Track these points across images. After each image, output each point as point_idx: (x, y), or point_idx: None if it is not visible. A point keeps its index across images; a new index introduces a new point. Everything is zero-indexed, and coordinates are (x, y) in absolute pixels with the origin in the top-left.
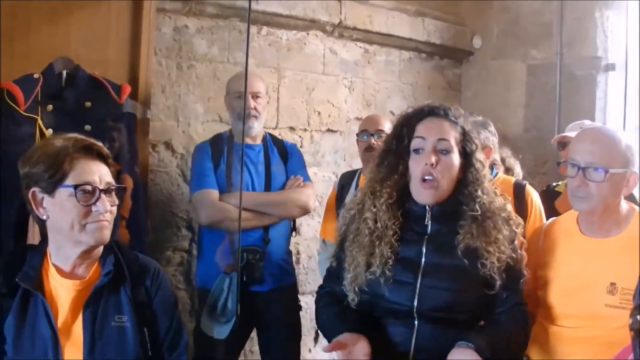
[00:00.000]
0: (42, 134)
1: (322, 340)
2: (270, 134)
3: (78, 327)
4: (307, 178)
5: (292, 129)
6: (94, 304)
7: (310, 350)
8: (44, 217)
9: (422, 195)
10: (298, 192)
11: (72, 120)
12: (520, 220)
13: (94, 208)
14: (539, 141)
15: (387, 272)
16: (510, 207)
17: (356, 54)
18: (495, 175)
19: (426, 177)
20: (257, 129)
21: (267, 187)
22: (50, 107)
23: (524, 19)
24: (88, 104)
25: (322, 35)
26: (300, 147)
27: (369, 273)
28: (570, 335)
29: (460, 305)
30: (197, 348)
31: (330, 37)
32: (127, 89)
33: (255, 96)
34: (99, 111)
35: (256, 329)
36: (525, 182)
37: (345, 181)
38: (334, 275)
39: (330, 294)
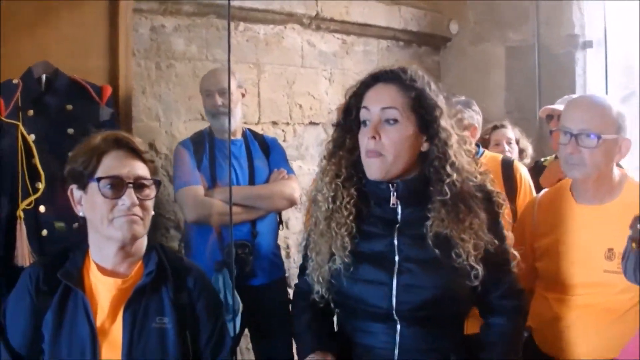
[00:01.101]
0: (25, 140)
1: None
2: (249, 129)
3: (117, 327)
4: (290, 171)
5: (274, 123)
6: (135, 304)
7: None
8: (81, 214)
9: (369, 168)
10: (283, 184)
11: (54, 124)
12: (504, 198)
13: (119, 202)
14: (521, 122)
15: (346, 260)
16: (490, 184)
17: (334, 45)
18: (482, 153)
19: (368, 151)
20: (234, 124)
21: (252, 181)
22: (31, 112)
23: (500, 2)
24: (69, 107)
25: (300, 28)
26: (284, 141)
27: (332, 262)
28: (570, 304)
29: (444, 302)
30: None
31: (307, 29)
32: (109, 90)
33: (222, 92)
34: (81, 114)
35: (248, 325)
36: (513, 158)
37: None
38: (304, 271)
39: (303, 295)
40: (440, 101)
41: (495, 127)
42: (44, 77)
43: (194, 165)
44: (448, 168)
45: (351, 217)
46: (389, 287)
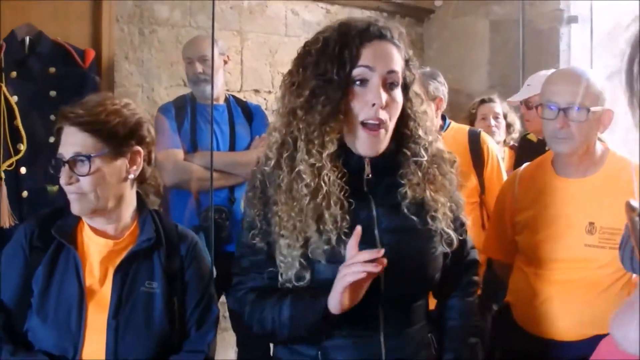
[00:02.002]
0: (7, 102)
1: None
2: (233, 96)
3: (106, 288)
4: None
5: (256, 91)
6: (126, 267)
7: None
8: None
9: (365, 145)
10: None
11: (36, 86)
12: (456, 158)
13: (61, 181)
14: (504, 97)
15: (344, 237)
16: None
17: (318, 14)
18: (448, 125)
19: (370, 122)
20: (215, 91)
21: (232, 147)
22: (14, 74)
23: None
24: (52, 69)
25: None
26: (265, 109)
27: (324, 242)
28: (551, 278)
29: (427, 273)
30: None
31: None
32: (92, 54)
33: (202, 59)
34: (64, 77)
35: (225, 292)
36: (480, 129)
37: None
38: (261, 265)
39: (259, 290)
40: (415, 63)
41: (483, 101)
42: (27, 39)
43: (175, 129)
44: (421, 132)
45: (343, 193)
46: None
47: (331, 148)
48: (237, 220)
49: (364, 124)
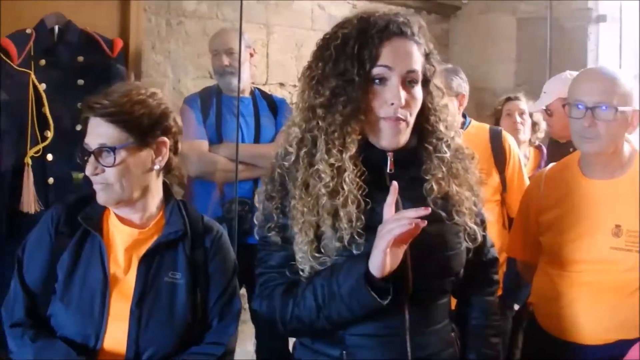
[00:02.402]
0: (36, 89)
1: None
2: (258, 88)
3: (130, 276)
4: None
5: (282, 84)
6: (151, 257)
7: None
8: None
9: (387, 137)
10: None
11: (65, 74)
12: (474, 153)
13: (86, 171)
14: (530, 96)
15: (357, 237)
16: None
17: (344, 9)
18: (469, 123)
19: (390, 118)
20: (242, 83)
21: (257, 140)
22: (43, 62)
23: None
24: (80, 58)
25: None
26: (290, 103)
27: (337, 239)
28: (575, 280)
29: (455, 267)
30: None
31: None
32: (120, 44)
33: (229, 52)
34: (92, 66)
35: (245, 284)
36: (501, 128)
37: None
38: (282, 261)
39: (286, 284)
40: (436, 56)
41: (509, 99)
42: (56, 28)
43: (200, 120)
44: (441, 127)
45: (362, 192)
46: (403, 263)
47: (352, 149)
48: None
49: (384, 119)
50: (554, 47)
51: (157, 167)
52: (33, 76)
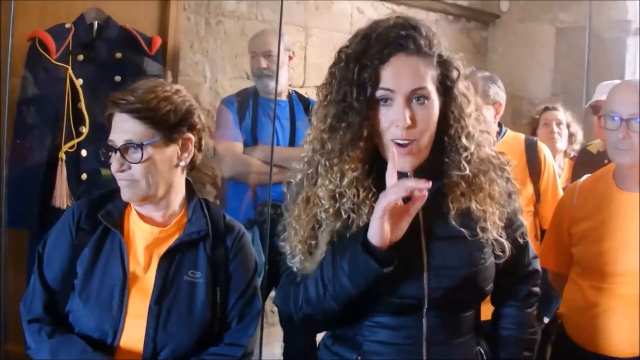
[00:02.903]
0: (73, 84)
1: None
2: (296, 92)
3: (150, 274)
4: None
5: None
6: (172, 255)
7: None
8: None
9: (400, 162)
10: None
11: (102, 70)
12: (509, 158)
13: (112, 168)
14: (567, 105)
15: None
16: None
17: (383, 14)
18: (505, 132)
19: (399, 142)
20: (280, 86)
21: (292, 142)
22: (81, 57)
23: None
24: (119, 54)
25: None
26: None
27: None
28: (606, 292)
29: (476, 282)
30: None
31: None
32: (158, 41)
33: (267, 54)
34: (130, 62)
35: (275, 287)
36: (536, 138)
37: None
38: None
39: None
40: (457, 61)
41: (547, 109)
42: (95, 23)
43: (236, 121)
44: (464, 139)
45: (368, 213)
46: (420, 271)
47: (350, 175)
48: None
49: (395, 144)
50: (592, 57)
51: (182, 163)
52: (70, 71)
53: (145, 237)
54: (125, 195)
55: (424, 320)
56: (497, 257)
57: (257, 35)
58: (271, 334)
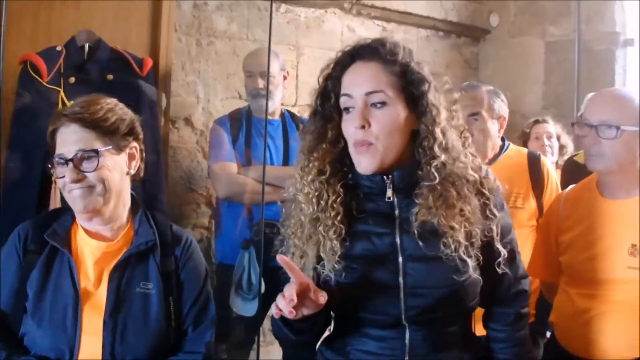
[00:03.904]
0: (64, 106)
1: None
2: (288, 111)
3: (101, 290)
4: None
5: (310, 106)
6: (122, 269)
7: (329, 329)
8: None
9: (359, 163)
10: None
11: (94, 92)
12: (497, 184)
13: (65, 180)
14: (558, 118)
15: (336, 266)
16: (485, 169)
17: (374, 31)
18: (507, 147)
19: (357, 143)
20: (271, 106)
21: (285, 162)
22: (72, 79)
23: None
24: (110, 76)
25: (340, 13)
26: None
27: (321, 267)
28: (592, 299)
29: (454, 302)
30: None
31: (348, 14)
32: (149, 63)
33: (264, 74)
34: (121, 84)
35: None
36: (539, 152)
37: None
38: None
39: None
40: (427, 73)
41: (537, 122)
42: (86, 46)
43: (230, 142)
44: (436, 149)
45: (339, 218)
46: (396, 291)
47: (320, 175)
48: None
49: (353, 145)
50: (582, 70)
51: (132, 171)
52: (62, 93)
53: (93, 253)
54: (79, 206)
55: (407, 334)
56: (459, 274)
57: (252, 55)
58: (269, 353)
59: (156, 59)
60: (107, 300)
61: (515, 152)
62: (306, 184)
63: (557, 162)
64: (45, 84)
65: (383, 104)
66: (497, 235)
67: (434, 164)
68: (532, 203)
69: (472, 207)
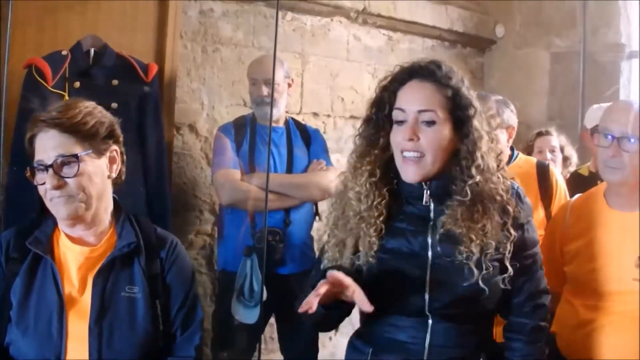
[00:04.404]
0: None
1: (343, 329)
2: (293, 118)
3: (86, 295)
4: (329, 162)
5: (315, 114)
6: (106, 273)
7: (330, 339)
8: None
9: (406, 172)
10: (320, 175)
11: (98, 97)
12: (526, 205)
13: (46, 186)
14: (562, 129)
15: (371, 260)
16: (516, 188)
17: (380, 41)
18: (516, 156)
19: (406, 154)
20: (276, 114)
21: (289, 169)
22: (77, 84)
23: (547, 7)
24: (115, 82)
25: (346, 22)
26: (324, 133)
27: (356, 258)
28: (596, 310)
29: (474, 301)
30: (217, 333)
31: (354, 23)
32: (155, 68)
33: (268, 82)
34: (126, 89)
35: (275, 314)
36: (547, 162)
37: None
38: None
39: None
40: (474, 99)
41: (540, 134)
42: (92, 50)
43: (234, 149)
44: (473, 170)
45: (381, 218)
46: (422, 283)
47: (370, 177)
48: (291, 243)
49: (403, 157)
50: (587, 81)
51: (113, 175)
52: (67, 98)
53: (76, 259)
54: (61, 213)
55: (429, 325)
56: (464, 280)
57: (256, 62)
58: None
59: (161, 65)
60: (92, 305)
61: (525, 161)
62: (358, 184)
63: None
64: (50, 88)
65: (433, 122)
66: (508, 253)
67: (469, 182)
68: (540, 213)
69: (493, 224)
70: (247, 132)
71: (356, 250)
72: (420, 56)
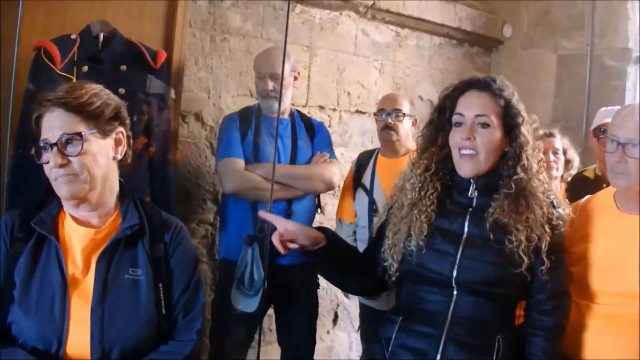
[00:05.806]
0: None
1: (341, 322)
2: (298, 111)
3: (89, 277)
4: (333, 155)
5: (321, 107)
6: (109, 255)
7: (328, 332)
8: None
9: (462, 167)
10: (323, 167)
11: (107, 82)
12: (563, 211)
13: (50, 165)
14: (567, 131)
15: (421, 243)
16: (554, 195)
17: (388, 36)
18: None
19: (463, 152)
20: (281, 106)
21: (293, 161)
22: (85, 68)
23: (555, 9)
24: (123, 67)
25: (355, 16)
26: (329, 126)
27: (408, 242)
28: (602, 312)
29: (498, 281)
30: (216, 321)
31: (362, 18)
32: (163, 55)
33: (274, 77)
34: (134, 75)
35: (274, 305)
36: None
37: (363, 160)
38: (373, 241)
39: None
40: (523, 110)
41: (543, 136)
42: (101, 35)
43: (238, 138)
44: (519, 168)
45: (432, 207)
46: (454, 257)
47: (426, 171)
48: None
49: (460, 154)
50: (593, 84)
51: (119, 156)
52: (75, 82)
53: (80, 240)
54: (65, 192)
55: (454, 297)
56: (515, 266)
57: (263, 55)
58: (268, 353)
59: (170, 54)
60: (95, 287)
61: None
62: (414, 175)
63: (562, 177)
64: (58, 71)
65: (487, 125)
66: (545, 247)
67: (514, 177)
68: None
69: (535, 217)
70: (252, 123)
71: (408, 235)
72: (427, 54)
